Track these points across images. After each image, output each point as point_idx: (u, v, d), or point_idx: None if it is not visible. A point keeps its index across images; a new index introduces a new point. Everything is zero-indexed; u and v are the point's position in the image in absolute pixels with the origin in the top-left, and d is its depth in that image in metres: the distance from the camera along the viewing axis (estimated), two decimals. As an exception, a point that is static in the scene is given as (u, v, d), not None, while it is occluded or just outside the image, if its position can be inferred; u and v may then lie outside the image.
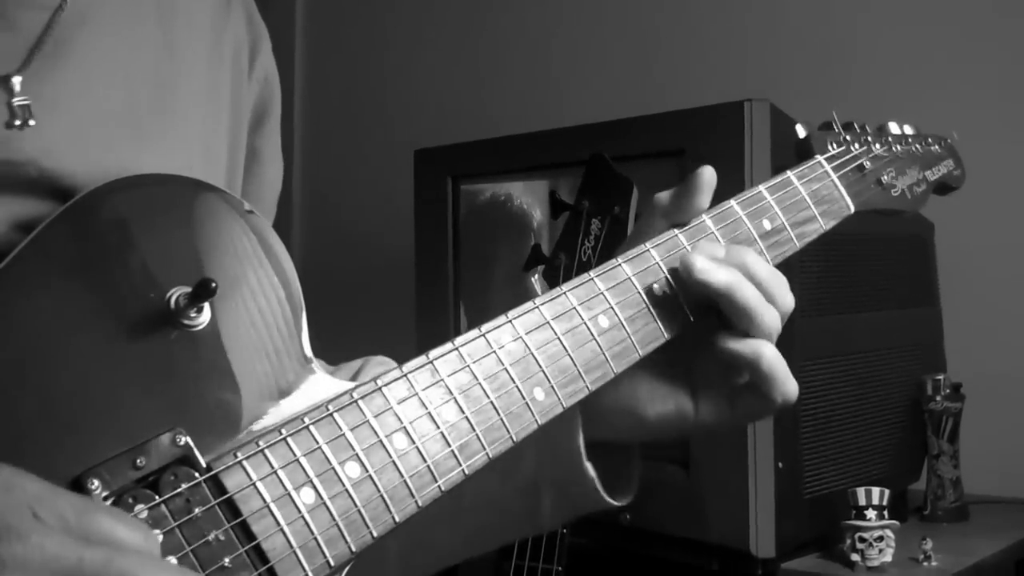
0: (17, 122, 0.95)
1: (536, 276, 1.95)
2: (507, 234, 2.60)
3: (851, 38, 3.05)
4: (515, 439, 0.99)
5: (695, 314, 1.11)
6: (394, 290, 3.21)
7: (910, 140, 1.43)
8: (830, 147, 1.31)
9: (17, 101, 0.96)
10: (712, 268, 1.08)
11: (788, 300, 1.13)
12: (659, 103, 2.39)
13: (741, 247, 1.12)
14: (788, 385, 1.11)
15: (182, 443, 0.86)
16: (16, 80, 0.96)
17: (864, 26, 3.04)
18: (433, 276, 2.76)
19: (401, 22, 4.13)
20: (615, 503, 1.18)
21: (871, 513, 2.12)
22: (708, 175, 1.14)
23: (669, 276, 1.11)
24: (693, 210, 1.14)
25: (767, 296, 1.10)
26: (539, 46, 3.72)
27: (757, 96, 2.13)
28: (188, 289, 0.90)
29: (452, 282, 2.72)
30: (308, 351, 0.97)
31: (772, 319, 1.10)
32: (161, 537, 0.81)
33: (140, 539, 0.78)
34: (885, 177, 1.35)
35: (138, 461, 0.84)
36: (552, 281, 1.96)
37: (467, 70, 3.91)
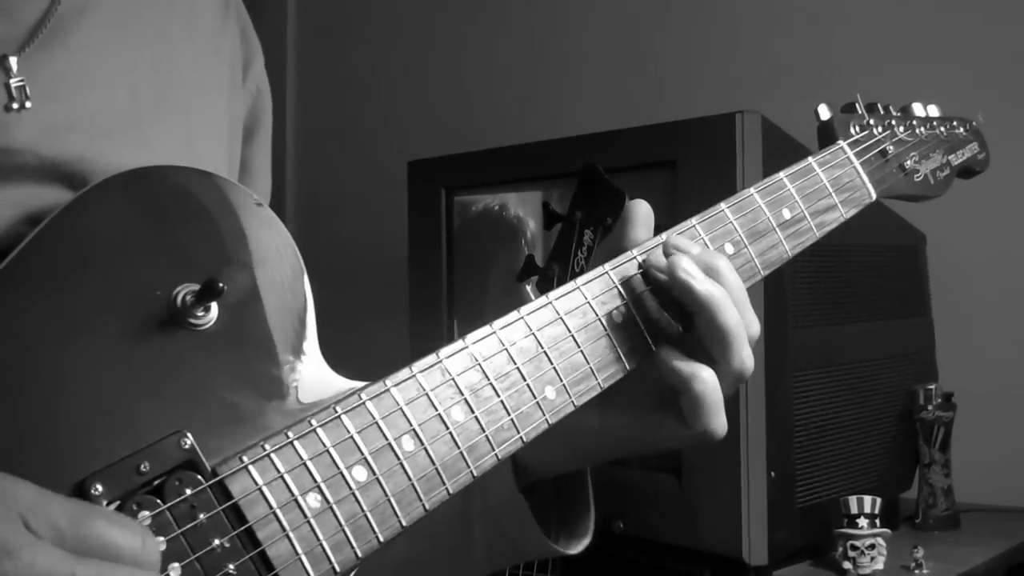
0: (15, 105, 0.94)
1: (530, 287, 1.95)
2: (501, 245, 2.60)
3: (844, 50, 3.06)
4: (525, 439, 0.97)
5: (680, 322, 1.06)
6: (387, 301, 3.21)
7: (934, 123, 1.40)
8: (852, 130, 1.28)
9: (14, 82, 0.95)
10: (697, 275, 1.02)
11: (756, 327, 1.05)
12: (651, 114, 2.39)
13: (719, 257, 1.05)
14: (715, 418, 1.03)
15: (187, 446, 0.84)
16: (13, 60, 0.95)
17: (857, 39, 3.04)
18: (426, 288, 2.75)
19: (394, 33, 4.13)
20: (557, 547, 1.15)
21: (863, 521, 2.12)
22: (644, 210, 1.09)
23: None
24: (630, 246, 1.09)
25: (745, 321, 1.04)
26: (532, 58, 3.72)
27: (748, 108, 2.12)
28: (195, 287, 0.89)
29: (446, 293, 2.71)
30: (316, 349, 0.96)
31: (747, 353, 1.03)
32: (164, 544, 0.80)
33: (138, 544, 0.77)
34: (908, 162, 1.33)
35: (142, 466, 0.83)
36: (545, 292, 1.96)
37: (460, 81, 3.91)
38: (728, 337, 1.02)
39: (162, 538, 0.81)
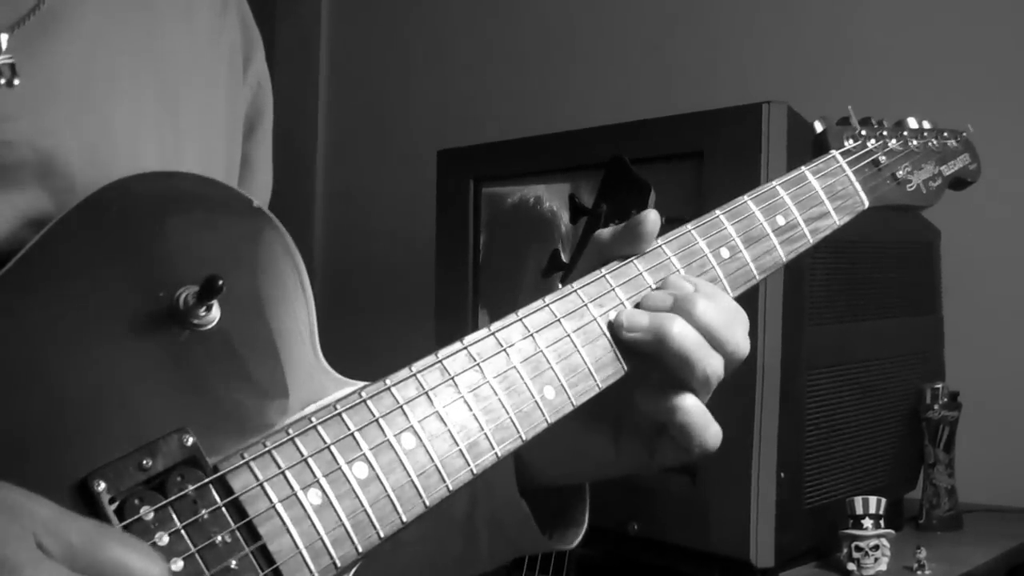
0: (2, 80, 0.94)
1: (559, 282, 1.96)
2: (530, 237, 2.60)
3: (870, 41, 3.06)
4: (524, 438, 0.99)
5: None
6: (414, 291, 3.21)
7: (926, 134, 1.43)
8: (846, 142, 1.31)
9: (3, 59, 0.94)
10: (640, 322, 1.05)
11: (740, 344, 1.07)
12: (678, 105, 2.38)
13: (690, 295, 1.06)
14: (706, 436, 1.05)
15: (189, 443, 0.85)
16: (3, 37, 0.95)
17: (882, 29, 3.04)
18: (453, 278, 2.75)
19: (424, 24, 4.14)
20: (555, 544, 1.17)
21: (867, 522, 2.13)
22: (652, 222, 1.09)
23: (682, 273, 1.11)
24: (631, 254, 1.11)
25: (712, 342, 1.05)
26: (560, 48, 3.73)
27: (775, 98, 2.12)
28: (196, 288, 0.89)
29: (472, 284, 2.71)
30: (317, 350, 0.97)
31: (710, 367, 1.04)
32: (181, 564, 0.81)
33: (153, 571, 0.77)
34: (900, 172, 1.36)
35: (145, 462, 0.83)
36: (571, 288, 1.97)
37: (489, 71, 3.92)
38: (688, 358, 1.04)
39: (181, 561, 0.82)
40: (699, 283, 1.09)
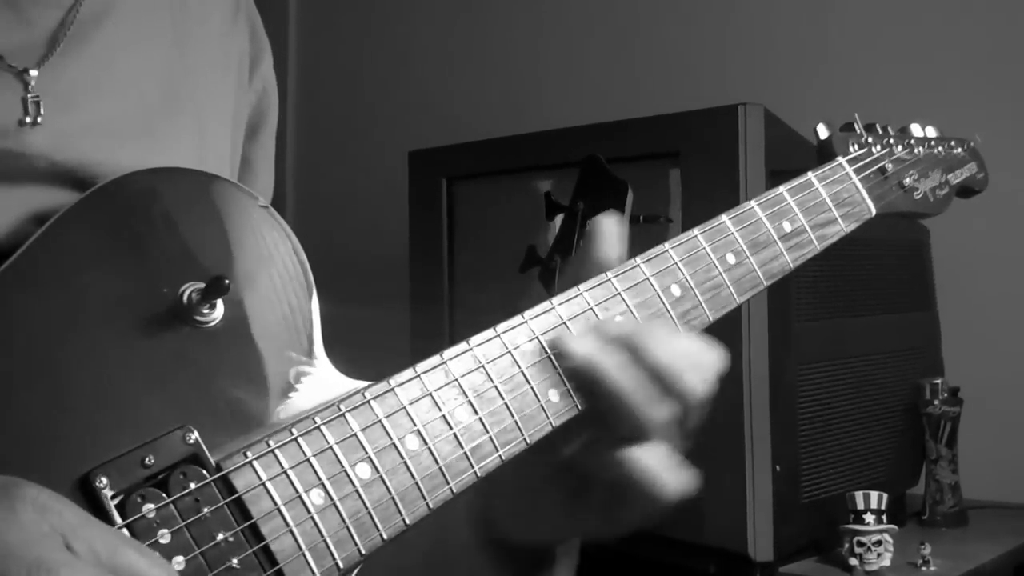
0: (28, 119, 0.95)
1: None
2: (504, 235, 2.60)
3: (847, 43, 3.06)
4: (528, 441, 0.97)
5: None
6: (389, 293, 3.20)
7: (933, 143, 1.42)
8: (851, 148, 1.30)
9: (31, 96, 0.95)
10: (582, 347, 0.98)
11: (694, 389, 0.99)
12: (654, 105, 2.39)
13: (656, 324, 1.03)
14: (671, 480, 1.02)
15: (192, 441, 0.85)
16: (33, 74, 0.96)
17: (860, 31, 3.04)
18: (428, 278, 2.76)
19: (395, 23, 4.13)
20: None
21: (869, 517, 2.12)
22: (607, 227, 1.06)
23: (688, 278, 1.09)
24: (596, 264, 1.06)
25: (662, 386, 0.98)
26: (534, 47, 3.72)
27: (752, 100, 2.13)
28: (201, 285, 0.89)
29: (447, 284, 2.71)
30: (321, 349, 0.97)
31: (651, 417, 0.98)
32: (183, 563, 0.81)
33: None
34: (907, 180, 1.35)
35: (147, 459, 0.83)
36: (547, 283, 1.96)
37: (461, 71, 3.91)
38: (623, 406, 0.98)
39: (183, 560, 0.82)
40: (653, 323, 1.04)
